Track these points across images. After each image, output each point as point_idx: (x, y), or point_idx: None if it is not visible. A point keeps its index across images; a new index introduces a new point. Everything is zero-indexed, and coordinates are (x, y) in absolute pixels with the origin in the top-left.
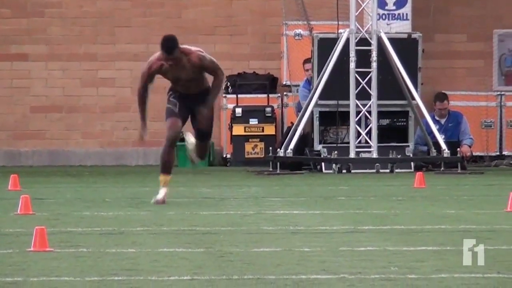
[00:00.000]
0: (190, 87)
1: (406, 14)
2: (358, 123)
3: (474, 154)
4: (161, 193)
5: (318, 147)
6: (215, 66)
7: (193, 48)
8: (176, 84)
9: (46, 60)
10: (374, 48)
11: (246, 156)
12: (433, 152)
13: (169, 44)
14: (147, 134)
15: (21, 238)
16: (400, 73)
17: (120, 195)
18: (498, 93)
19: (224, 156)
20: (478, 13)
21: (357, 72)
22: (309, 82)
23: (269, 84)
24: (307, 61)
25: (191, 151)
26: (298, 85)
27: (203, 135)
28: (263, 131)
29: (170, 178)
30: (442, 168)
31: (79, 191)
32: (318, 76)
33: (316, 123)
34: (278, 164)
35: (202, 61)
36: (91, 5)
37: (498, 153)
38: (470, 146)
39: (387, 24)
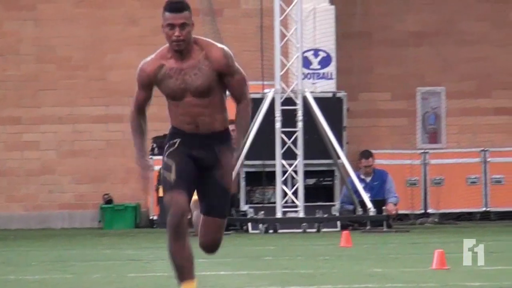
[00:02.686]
0: (202, 116)
1: (331, 73)
2: (285, 182)
3: (399, 212)
4: None
5: (244, 207)
6: (242, 77)
7: (214, 43)
8: (179, 109)
9: None
10: (299, 107)
11: None
12: (359, 211)
13: (177, 0)
14: (150, 167)
15: None
16: (326, 132)
17: (46, 259)
18: (422, 151)
19: (151, 218)
20: (401, 71)
21: (283, 132)
22: None
23: None
24: (229, 122)
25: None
26: None
27: (213, 211)
28: None
29: (195, 283)
30: (368, 227)
31: (3, 255)
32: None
33: (242, 183)
34: None
35: (227, 59)
36: (15, 68)
37: (423, 211)
38: (395, 204)
39: (312, 84)
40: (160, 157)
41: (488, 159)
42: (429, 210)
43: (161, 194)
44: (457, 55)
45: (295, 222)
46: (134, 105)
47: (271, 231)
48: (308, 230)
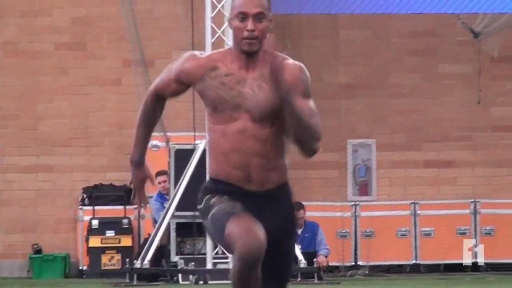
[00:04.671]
0: (258, 157)
1: None
2: None
3: (330, 264)
4: None
5: (174, 258)
6: (314, 108)
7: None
8: (226, 141)
9: None
10: None
11: (102, 268)
12: None
13: None
14: (147, 173)
15: None
16: None
17: None
18: (353, 203)
19: (80, 268)
20: (332, 123)
21: None
22: (161, 195)
23: (126, 195)
24: (159, 173)
25: None
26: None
27: (273, 275)
28: (120, 242)
29: None
30: (299, 279)
31: None
32: (174, 187)
33: (172, 234)
34: (135, 275)
35: (304, 76)
36: None
37: (353, 263)
38: (326, 257)
39: None
40: (90, 208)
41: (418, 212)
42: (360, 262)
43: (92, 244)
44: (388, 108)
45: (225, 273)
46: (155, 86)
47: (201, 282)
48: None
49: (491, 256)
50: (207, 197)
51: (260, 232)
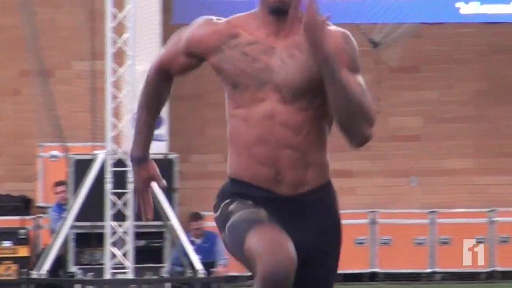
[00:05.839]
0: (290, 148)
1: (162, 135)
2: (114, 244)
3: (230, 274)
4: None
5: (72, 268)
6: (363, 83)
7: None
8: (250, 130)
9: None
10: (130, 169)
11: None
12: (189, 273)
13: None
14: (157, 177)
15: None
16: (156, 194)
17: None
18: None
19: None
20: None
21: (113, 193)
22: (59, 205)
23: (24, 205)
24: (58, 184)
25: None
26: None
27: None
28: (16, 253)
29: None
30: None
31: None
32: (73, 198)
33: (71, 244)
34: (32, 286)
35: (349, 44)
36: None
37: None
38: (225, 266)
39: None
40: None
41: None
42: None
43: None
44: None
45: (124, 284)
46: (159, 59)
47: None
48: None
49: (388, 266)
50: (225, 202)
51: (289, 247)
